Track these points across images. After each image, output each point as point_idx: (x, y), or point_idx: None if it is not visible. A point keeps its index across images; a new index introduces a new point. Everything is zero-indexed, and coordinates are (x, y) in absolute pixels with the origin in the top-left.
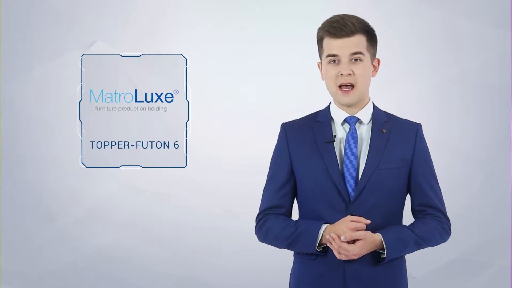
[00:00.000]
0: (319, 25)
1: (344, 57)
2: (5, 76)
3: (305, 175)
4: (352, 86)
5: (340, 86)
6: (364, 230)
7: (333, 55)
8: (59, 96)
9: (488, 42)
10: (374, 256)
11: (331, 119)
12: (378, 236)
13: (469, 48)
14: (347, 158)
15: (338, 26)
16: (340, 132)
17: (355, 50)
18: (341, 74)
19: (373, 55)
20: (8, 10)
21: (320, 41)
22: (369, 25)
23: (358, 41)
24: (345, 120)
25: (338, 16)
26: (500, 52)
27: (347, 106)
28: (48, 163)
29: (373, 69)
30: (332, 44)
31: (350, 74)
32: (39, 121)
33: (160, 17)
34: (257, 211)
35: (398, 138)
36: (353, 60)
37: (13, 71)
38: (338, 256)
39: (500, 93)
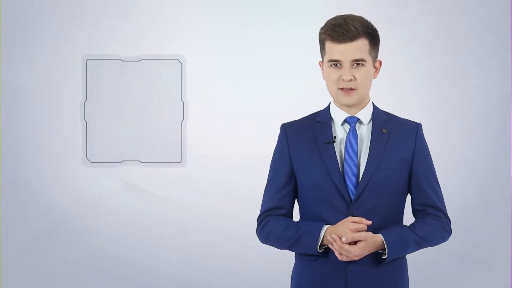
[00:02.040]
0: (322, 25)
1: (346, 62)
2: (5, 75)
3: (306, 176)
4: (354, 89)
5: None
6: (365, 231)
7: (335, 60)
8: (59, 96)
9: (488, 44)
10: (375, 257)
11: (331, 119)
12: (379, 237)
13: (470, 49)
14: (348, 158)
15: (340, 31)
16: (340, 132)
17: (357, 57)
18: (343, 79)
19: (374, 58)
20: (8, 10)
21: (322, 42)
22: (372, 27)
23: (360, 46)
24: (345, 121)
25: (341, 18)
26: (500, 53)
27: (347, 106)
28: (48, 163)
29: (374, 70)
30: (334, 49)
31: (351, 79)
32: (39, 122)
33: (160, 17)
34: (257, 212)
35: (398, 138)
36: (355, 65)
37: (13, 70)
38: (339, 257)
39: (500, 94)
